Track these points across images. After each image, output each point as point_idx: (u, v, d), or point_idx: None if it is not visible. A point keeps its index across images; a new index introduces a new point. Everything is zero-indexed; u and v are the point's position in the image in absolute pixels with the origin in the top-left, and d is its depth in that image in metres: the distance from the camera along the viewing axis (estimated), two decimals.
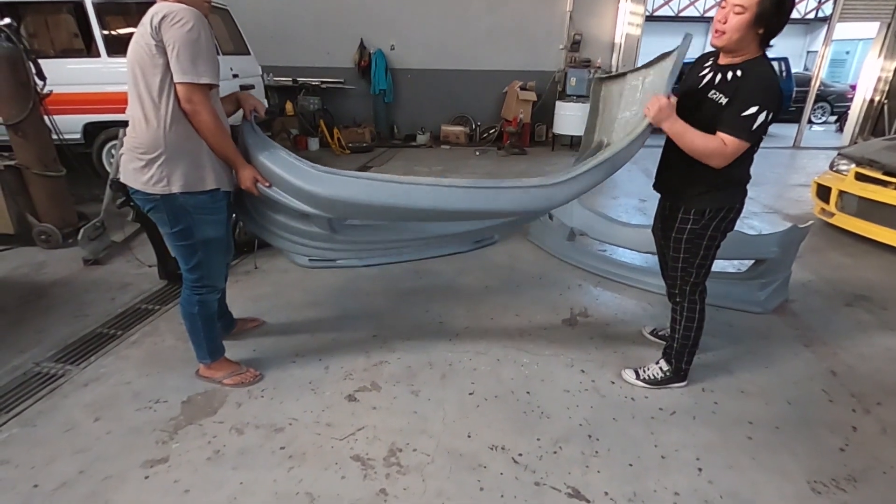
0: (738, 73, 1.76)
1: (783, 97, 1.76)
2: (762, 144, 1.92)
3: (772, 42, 1.78)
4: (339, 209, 1.99)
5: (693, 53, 1.92)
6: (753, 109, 1.70)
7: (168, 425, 2.02)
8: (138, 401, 2.16)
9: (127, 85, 1.80)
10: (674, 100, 1.85)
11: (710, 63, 1.91)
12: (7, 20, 3.40)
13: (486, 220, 2.30)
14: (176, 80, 1.71)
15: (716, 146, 1.77)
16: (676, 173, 2.02)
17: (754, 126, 1.71)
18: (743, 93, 1.73)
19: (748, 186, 2.00)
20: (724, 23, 1.72)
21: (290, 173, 1.93)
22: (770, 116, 1.71)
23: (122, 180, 1.90)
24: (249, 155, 1.96)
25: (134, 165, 1.82)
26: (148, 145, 1.78)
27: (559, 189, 2.05)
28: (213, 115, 1.79)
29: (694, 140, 1.80)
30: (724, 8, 1.74)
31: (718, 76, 1.83)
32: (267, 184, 1.94)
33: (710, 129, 1.80)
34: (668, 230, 2.09)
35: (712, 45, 1.83)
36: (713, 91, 1.82)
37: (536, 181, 2.07)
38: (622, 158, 2.00)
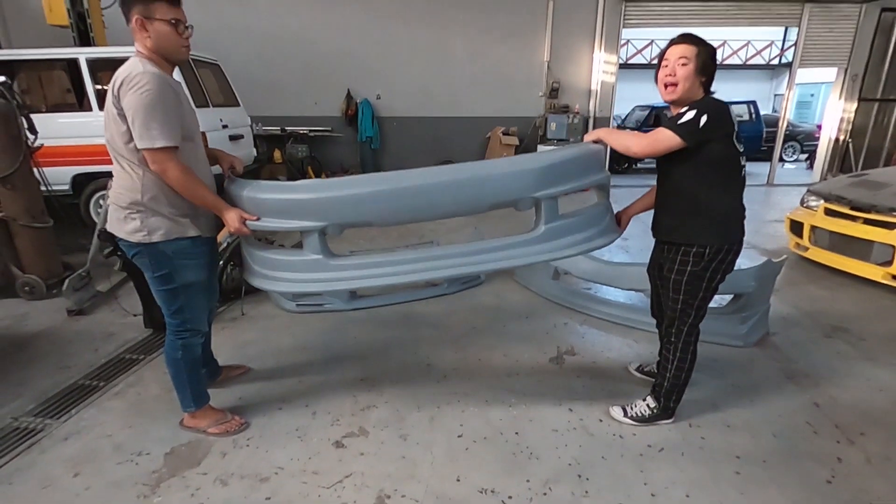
0: (685, 109, 1.91)
1: (728, 113, 1.89)
2: None
3: (712, 88, 1.98)
4: (331, 210, 1.97)
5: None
6: (688, 112, 1.86)
7: (150, 478, 1.97)
8: (120, 454, 2.11)
9: (106, 143, 1.86)
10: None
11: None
12: (2, 78, 3.51)
13: (485, 202, 2.15)
14: (137, 146, 1.76)
15: (636, 134, 1.97)
16: (671, 213, 2.09)
17: (681, 120, 1.86)
18: (685, 112, 1.89)
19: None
20: (674, 75, 1.91)
21: (275, 192, 2.00)
22: (703, 117, 1.82)
23: (108, 229, 1.94)
24: (233, 199, 2.01)
25: (118, 216, 1.89)
26: (128, 199, 1.85)
27: (538, 154, 2.19)
28: (181, 171, 1.81)
29: (618, 136, 2.06)
30: (666, 66, 1.94)
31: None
32: (255, 218, 1.97)
33: (669, 165, 2.00)
34: (668, 272, 2.12)
35: (665, 101, 1.99)
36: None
37: (519, 157, 2.18)
38: (582, 145, 2.17)
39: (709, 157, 1.90)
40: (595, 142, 2.13)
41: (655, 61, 2.03)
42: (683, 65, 1.89)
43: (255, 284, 2.18)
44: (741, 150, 1.95)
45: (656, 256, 2.27)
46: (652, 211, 2.23)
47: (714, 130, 1.85)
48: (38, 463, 2.06)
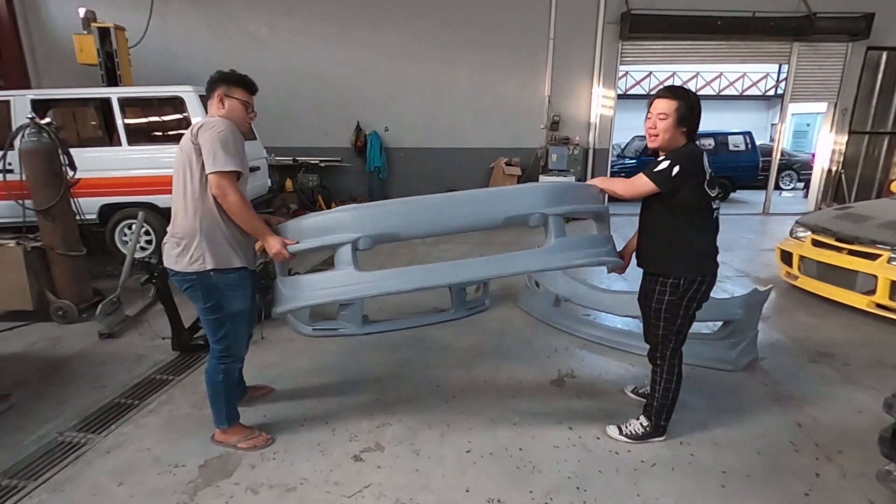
0: (662, 157, 2.19)
1: (699, 160, 2.14)
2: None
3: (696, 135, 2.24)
4: (364, 222, 2.25)
5: None
6: (664, 161, 2.14)
7: (188, 488, 2.17)
8: (158, 465, 2.32)
9: (173, 183, 2.15)
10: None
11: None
12: (48, 119, 3.83)
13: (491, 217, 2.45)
14: (207, 171, 2.06)
15: (622, 179, 2.27)
16: (649, 245, 2.37)
17: (657, 168, 2.14)
18: (664, 159, 2.16)
19: (719, 256, 2.34)
20: (655, 128, 2.18)
21: (315, 215, 2.33)
22: (675, 167, 2.10)
23: (164, 264, 2.21)
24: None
25: (176, 251, 2.15)
26: (187, 231, 2.12)
27: (541, 182, 2.47)
28: (240, 195, 2.12)
29: (610, 182, 2.37)
30: (650, 118, 2.20)
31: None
32: (294, 241, 2.24)
33: (649, 206, 2.28)
34: (649, 300, 2.38)
35: (650, 148, 2.25)
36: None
37: (527, 184, 2.46)
38: (580, 184, 2.55)
39: (682, 202, 2.16)
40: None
41: (654, 92, 2.30)
42: (662, 119, 2.14)
43: (291, 306, 2.39)
44: (714, 194, 2.20)
45: (643, 286, 2.51)
46: None
47: (685, 179, 2.11)
48: (86, 473, 2.26)
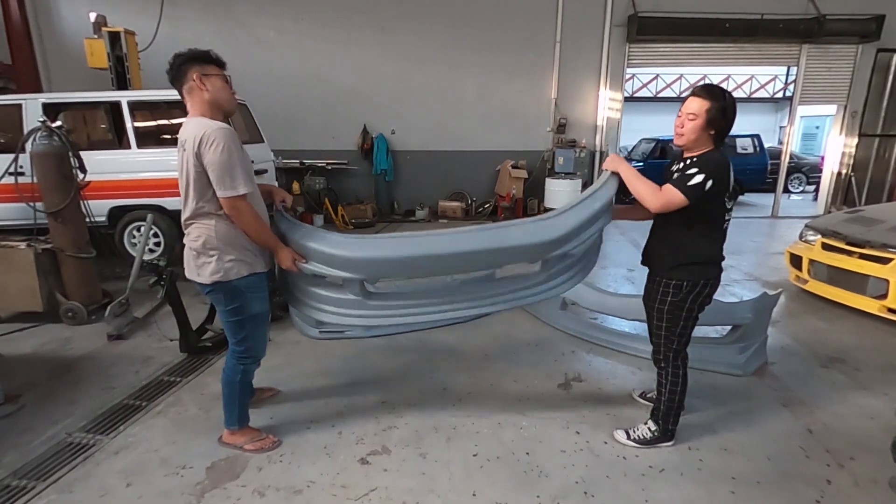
0: (695, 158, 2.16)
1: (728, 173, 2.11)
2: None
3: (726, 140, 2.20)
4: (371, 268, 2.29)
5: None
6: (693, 171, 2.08)
7: (195, 489, 2.18)
8: (166, 467, 2.32)
9: (181, 197, 2.12)
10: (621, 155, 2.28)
11: (677, 160, 2.30)
12: (59, 122, 3.87)
13: (502, 263, 2.50)
14: (219, 195, 2.04)
15: (652, 188, 2.15)
16: (658, 249, 2.35)
17: (690, 182, 2.06)
18: (692, 165, 2.12)
19: (725, 261, 2.31)
20: (682, 127, 2.14)
21: (323, 244, 2.26)
22: (709, 182, 2.04)
23: (186, 275, 2.21)
24: (286, 239, 2.30)
25: (197, 262, 2.14)
26: (206, 245, 2.11)
27: (554, 221, 2.35)
28: (254, 215, 2.11)
29: (637, 183, 2.20)
30: (680, 117, 2.17)
31: (682, 164, 2.22)
32: (304, 260, 2.26)
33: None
34: (651, 301, 2.38)
35: (674, 145, 2.23)
36: (676, 172, 2.21)
37: (535, 217, 2.42)
38: (601, 196, 2.36)
39: (698, 211, 2.12)
40: (613, 172, 2.33)
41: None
42: (691, 119, 2.10)
43: (300, 310, 2.45)
44: (729, 206, 2.19)
45: (648, 287, 2.50)
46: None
47: (715, 193, 2.08)
48: (94, 474, 2.27)
